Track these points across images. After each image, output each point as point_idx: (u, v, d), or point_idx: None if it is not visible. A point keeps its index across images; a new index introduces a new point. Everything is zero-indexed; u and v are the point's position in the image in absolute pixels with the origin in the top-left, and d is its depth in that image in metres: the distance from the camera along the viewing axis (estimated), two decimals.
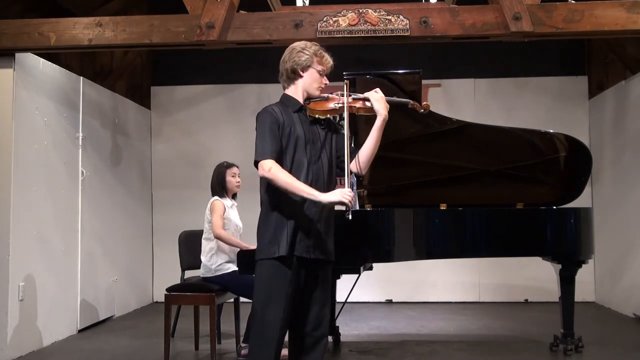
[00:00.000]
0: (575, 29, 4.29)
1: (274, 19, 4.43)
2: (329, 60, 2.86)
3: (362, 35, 4.34)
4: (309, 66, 2.81)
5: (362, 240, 3.88)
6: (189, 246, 4.81)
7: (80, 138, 5.54)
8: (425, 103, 2.95)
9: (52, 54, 5.30)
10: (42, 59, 4.99)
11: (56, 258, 5.09)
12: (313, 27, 4.35)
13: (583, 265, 4.38)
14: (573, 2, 4.31)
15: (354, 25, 4.32)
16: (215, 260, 4.34)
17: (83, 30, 4.49)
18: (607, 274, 6.53)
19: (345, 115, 2.75)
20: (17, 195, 4.58)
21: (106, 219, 5.99)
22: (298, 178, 2.70)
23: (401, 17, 4.32)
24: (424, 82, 4.38)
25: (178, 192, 7.18)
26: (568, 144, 4.60)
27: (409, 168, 4.62)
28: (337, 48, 4.86)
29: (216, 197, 4.41)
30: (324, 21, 4.33)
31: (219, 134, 7.08)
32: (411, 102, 2.92)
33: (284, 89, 2.87)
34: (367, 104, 2.77)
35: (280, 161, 2.70)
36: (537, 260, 4.70)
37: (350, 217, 2.60)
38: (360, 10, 4.33)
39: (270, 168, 2.63)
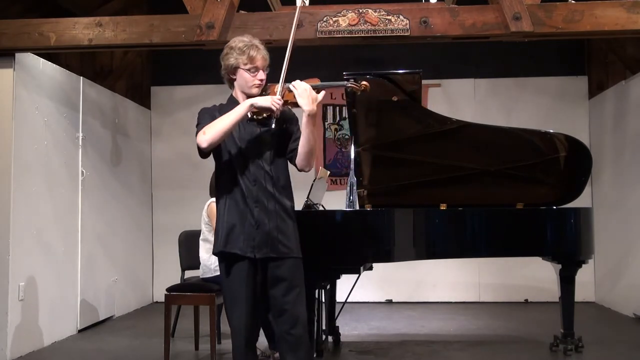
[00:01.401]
0: (575, 29, 4.29)
1: (274, 19, 4.43)
2: (257, 53, 2.71)
3: (362, 35, 4.34)
4: (236, 67, 2.72)
5: (362, 240, 3.88)
6: (189, 246, 4.81)
7: (80, 138, 5.54)
8: (363, 83, 2.79)
9: (52, 54, 5.30)
10: (42, 59, 4.99)
11: (56, 258, 5.09)
12: (313, 27, 4.35)
13: (583, 265, 4.37)
14: (573, 2, 4.31)
15: (354, 25, 4.32)
16: (214, 260, 4.33)
17: (83, 30, 4.49)
18: (607, 274, 6.52)
19: (281, 82, 2.68)
20: (17, 195, 4.58)
21: (106, 219, 5.99)
22: (234, 177, 2.70)
23: (401, 17, 4.32)
24: (424, 82, 4.38)
25: (178, 192, 7.18)
26: (568, 144, 4.59)
27: (409, 168, 4.62)
28: (337, 48, 4.90)
29: (213, 199, 4.38)
30: (324, 21, 4.33)
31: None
32: (348, 84, 2.79)
33: (230, 89, 2.85)
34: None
35: (217, 159, 2.75)
36: (537, 260, 4.69)
37: (273, 125, 2.61)
38: (360, 10, 4.33)
39: (204, 132, 2.63)
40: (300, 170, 2.80)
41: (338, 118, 7.18)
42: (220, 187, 2.79)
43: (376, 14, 4.33)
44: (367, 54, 6.69)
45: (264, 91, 2.76)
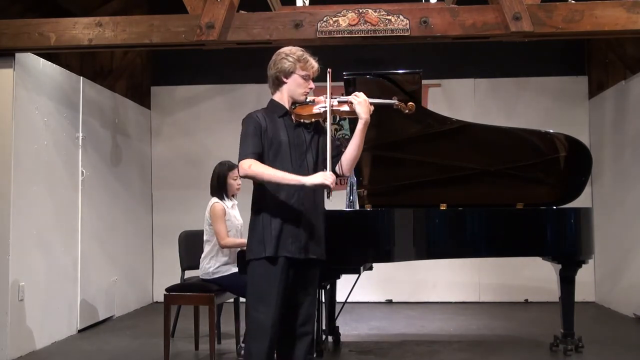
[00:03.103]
0: (575, 29, 4.29)
1: (274, 19, 4.43)
2: (313, 64, 2.88)
3: (362, 35, 4.34)
4: (292, 72, 2.85)
5: (362, 240, 3.88)
6: (189, 246, 4.81)
7: (80, 138, 5.54)
8: (410, 103, 2.94)
9: (52, 54, 5.30)
10: (42, 59, 4.99)
11: (56, 258, 5.09)
12: (313, 27, 4.35)
13: (583, 265, 4.38)
14: (573, 2, 4.31)
15: (354, 25, 4.32)
16: (214, 264, 4.31)
17: (83, 30, 4.49)
18: (607, 274, 6.53)
19: (328, 117, 2.81)
20: (17, 195, 4.58)
21: (106, 219, 5.99)
22: (282, 184, 2.77)
23: (401, 17, 4.32)
24: (424, 82, 4.38)
25: (178, 192, 7.18)
26: (568, 144, 4.59)
27: (409, 168, 4.62)
28: (337, 48, 4.90)
29: (216, 200, 4.37)
30: (324, 21, 4.33)
31: (219, 134, 7.07)
32: (396, 102, 2.94)
33: (272, 94, 2.94)
34: (351, 107, 2.81)
35: (265, 162, 2.79)
36: (537, 260, 4.69)
37: (330, 198, 2.73)
38: (360, 10, 4.33)
39: (250, 165, 2.72)
40: (340, 177, 2.92)
41: (338, 118, 7.18)
42: (265, 190, 2.83)
43: (376, 14, 4.32)
44: (367, 54, 6.69)
45: (306, 99, 2.89)
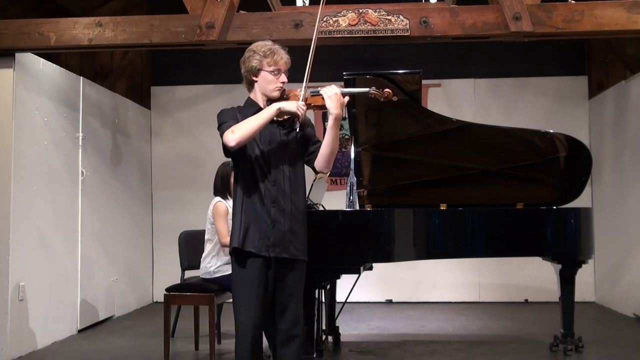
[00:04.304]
0: (575, 29, 4.29)
1: (274, 19, 4.43)
2: (282, 56, 2.79)
3: (362, 35, 4.34)
4: (259, 69, 2.79)
5: (362, 241, 3.88)
6: (189, 246, 4.81)
7: (80, 138, 5.54)
8: (386, 90, 2.83)
9: (52, 54, 5.30)
10: (42, 59, 4.99)
11: (56, 258, 5.09)
12: (313, 27, 4.34)
13: (583, 265, 4.38)
14: (573, 2, 4.32)
15: (354, 25, 4.32)
16: (215, 263, 4.32)
17: (83, 30, 4.49)
18: (607, 274, 6.53)
19: (306, 76, 2.75)
20: (17, 195, 4.58)
21: (106, 219, 5.99)
22: (254, 177, 2.76)
23: (401, 17, 4.32)
24: (424, 82, 4.38)
25: (178, 192, 7.19)
26: (568, 144, 4.59)
27: (409, 168, 4.62)
28: (337, 48, 4.90)
29: (219, 199, 4.37)
30: (324, 21, 4.32)
31: (219, 134, 7.07)
32: (371, 90, 2.83)
33: (248, 92, 2.91)
34: (322, 101, 2.73)
35: (237, 158, 2.78)
36: (537, 260, 4.70)
37: (298, 129, 2.71)
38: (360, 10, 4.33)
39: (232, 130, 2.67)
40: (317, 172, 2.88)
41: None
42: (239, 186, 2.82)
43: (376, 14, 4.32)
44: (367, 54, 6.69)
45: (282, 95, 2.82)
